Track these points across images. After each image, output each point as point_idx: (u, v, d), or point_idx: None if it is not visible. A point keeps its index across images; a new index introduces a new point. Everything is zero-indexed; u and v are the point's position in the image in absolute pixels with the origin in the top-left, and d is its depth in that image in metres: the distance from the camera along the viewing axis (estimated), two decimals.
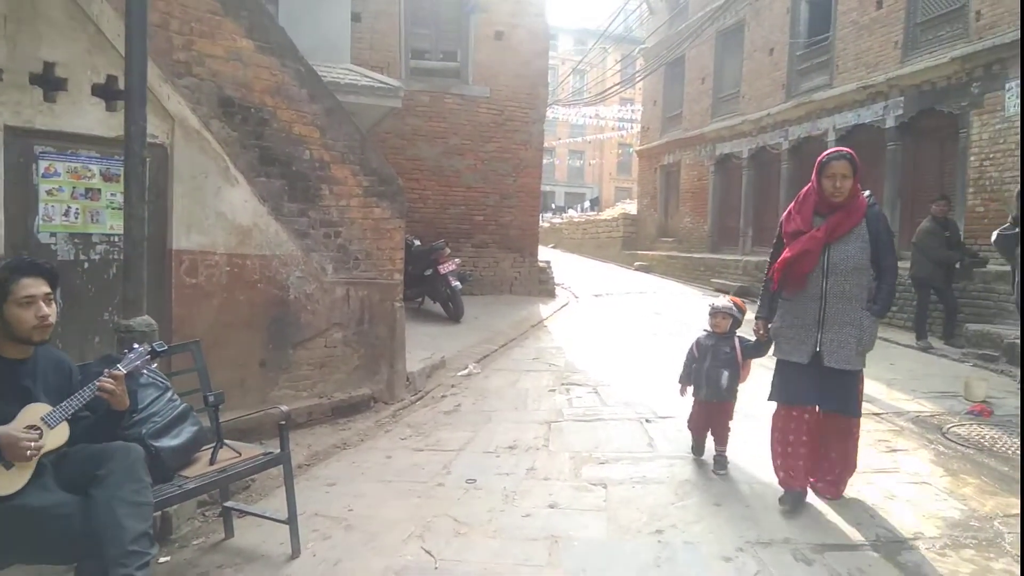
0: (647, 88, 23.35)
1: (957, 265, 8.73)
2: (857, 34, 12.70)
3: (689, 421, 4.79)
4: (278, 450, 3.46)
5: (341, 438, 5.25)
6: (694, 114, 19.37)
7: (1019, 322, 5.45)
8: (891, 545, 3.58)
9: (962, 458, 4.87)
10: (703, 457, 4.76)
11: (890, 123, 11.64)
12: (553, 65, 34.90)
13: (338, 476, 4.53)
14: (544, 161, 22.72)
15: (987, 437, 5.32)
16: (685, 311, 12.20)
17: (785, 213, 4.03)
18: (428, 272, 10.02)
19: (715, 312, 4.60)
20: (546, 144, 15.72)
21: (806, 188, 3.91)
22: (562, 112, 26.65)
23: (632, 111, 28.70)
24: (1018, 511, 3.99)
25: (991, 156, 9.62)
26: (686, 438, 4.94)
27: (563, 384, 6.97)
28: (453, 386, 6.85)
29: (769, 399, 4.13)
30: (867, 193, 3.88)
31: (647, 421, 5.72)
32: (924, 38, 11.22)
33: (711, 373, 4.55)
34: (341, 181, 5.71)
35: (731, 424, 4.64)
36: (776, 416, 4.11)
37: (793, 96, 14.82)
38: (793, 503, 3.95)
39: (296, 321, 5.46)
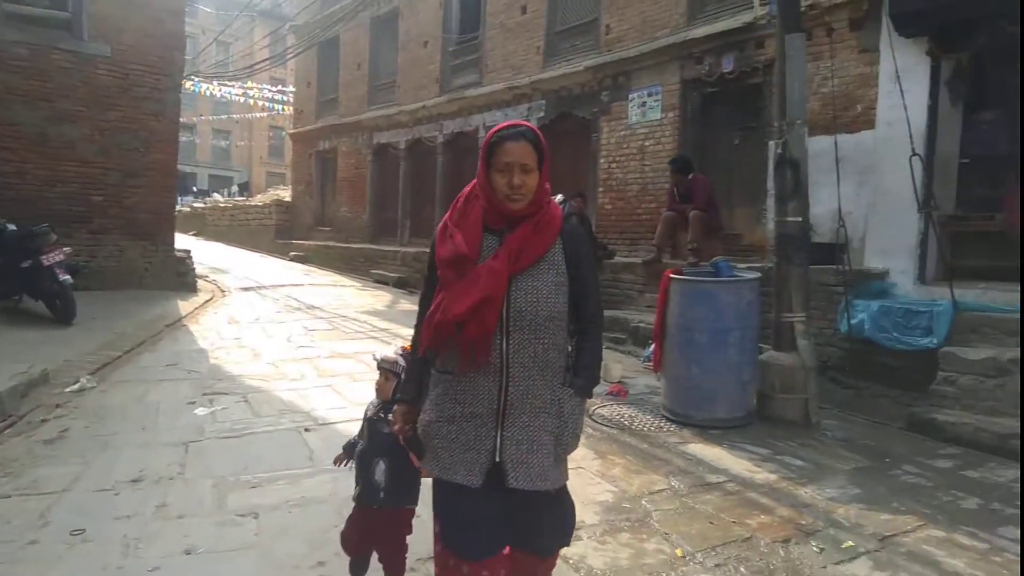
0: (300, 68, 22.27)
1: None
2: (504, 36, 13.39)
3: (343, 534, 2.95)
4: None
5: None
6: (351, 100, 18.92)
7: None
8: None
9: (608, 439, 5.15)
10: None
11: (533, 123, 12.47)
12: (193, 34, 31.68)
13: None
14: (183, 138, 20.38)
15: (626, 416, 5.75)
16: (344, 304, 11.73)
17: (440, 226, 2.35)
18: (27, 263, 8.09)
19: (379, 366, 2.84)
20: (186, 120, 13.95)
21: (469, 187, 2.37)
22: (204, 86, 24.25)
23: (284, 92, 27.28)
24: (661, 488, 4.27)
25: (617, 159, 10.79)
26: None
27: (206, 394, 6.01)
28: (59, 406, 5.49)
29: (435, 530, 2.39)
30: (559, 198, 2.39)
31: (306, 430, 5.12)
32: (562, 46, 12.19)
33: (363, 462, 2.83)
34: None
35: (409, 541, 2.90)
36: (438, 562, 2.36)
37: (447, 91, 15.18)
38: None
39: None
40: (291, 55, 21.66)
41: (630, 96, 10.53)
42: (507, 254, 2.20)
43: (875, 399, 6.37)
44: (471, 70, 14.64)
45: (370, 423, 2.86)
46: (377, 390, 2.87)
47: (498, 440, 2.23)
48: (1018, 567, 3.38)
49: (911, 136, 6.42)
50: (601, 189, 11.06)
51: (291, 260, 19.40)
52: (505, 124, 2.29)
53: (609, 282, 9.78)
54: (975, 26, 6.32)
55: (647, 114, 10.29)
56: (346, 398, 5.96)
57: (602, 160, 11.06)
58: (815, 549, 3.52)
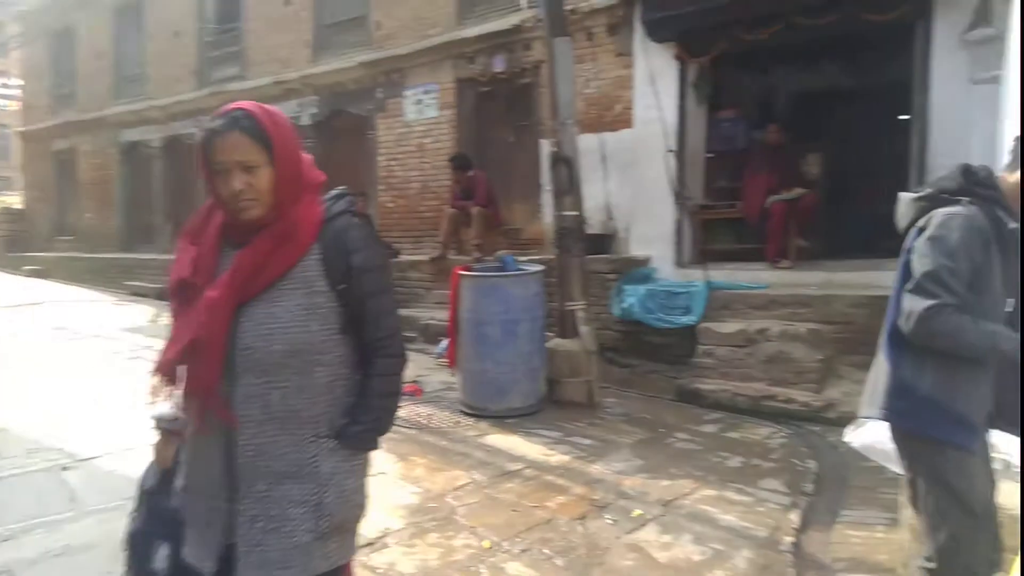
0: (29, 58, 19.51)
1: None
2: (268, 28, 12.71)
3: None
4: None
5: None
6: (93, 94, 16.91)
7: None
8: (362, 550, 3.45)
9: (408, 440, 5.09)
10: None
11: (306, 120, 11.98)
12: None
13: None
14: None
15: (424, 415, 5.73)
16: (95, 322, 10.48)
17: (179, 242, 1.88)
18: None
19: (156, 426, 2.06)
20: None
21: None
22: None
23: (8, 86, 23.78)
24: (464, 482, 4.30)
25: (397, 157, 10.70)
26: (122, 482, 3.98)
27: None
28: None
29: None
30: (335, 192, 1.88)
31: (65, 468, 4.49)
32: (333, 41, 11.83)
33: (137, 546, 2.11)
34: None
35: None
36: None
37: (207, 84, 14.11)
38: None
39: None
40: (16, 45, 18.91)
41: (406, 94, 10.49)
42: (232, 278, 1.69)
43: (647, 375, 6.94)
44: (232, 63, 13.72)
45: (149, 497, 2.12)
46: (156, 454, 2.11)
47: (230, 516, 1.74)
48: (780, 513, 3.85)
49: (665, 133, 7.05)
50: (382, 187, 10.92)
51: (27, 276, 16.97)
52: (220, 111, 1.75)
53: (396, 281, 9.70)
54: (715, 33, 7.08)
55: (424, 112, 10.31)
56: (111, 428, 5.32)
57: (381, 158, 10.92)
58: (609, 521, 3.74)
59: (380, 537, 3.56)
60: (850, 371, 5.88)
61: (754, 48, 7.31)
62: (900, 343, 2.16)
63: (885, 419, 2.20)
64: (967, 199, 2.05)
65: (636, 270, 7.47)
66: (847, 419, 2.89)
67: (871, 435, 2.65)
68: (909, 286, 2.05)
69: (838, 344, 6.00)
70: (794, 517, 3.80)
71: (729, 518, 3.78)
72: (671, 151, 7.12)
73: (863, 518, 3.79)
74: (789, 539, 3.56)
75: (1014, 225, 2.05)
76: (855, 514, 3.87)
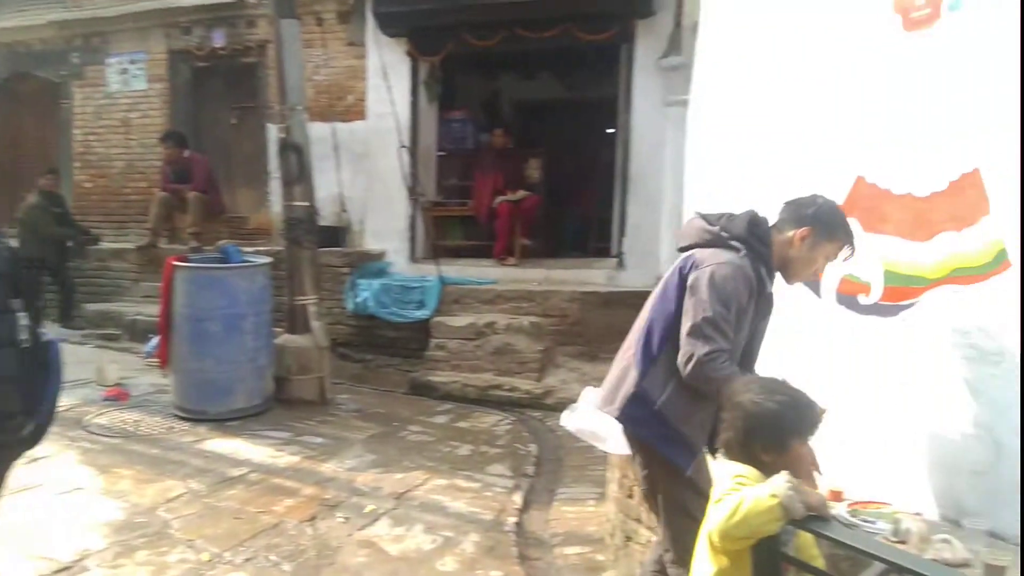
0: None
1: (70, 243, 8.31)
2: None
3: None
4: None
5: None
6: None
7: None
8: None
9: (110, 450, 4.55)
10: None
11: None
12: None
13: None
14: None
15: (130, 421, 5.15)
16: None
17: None
18: None
19: None
20: None
21: None
22: None
23: None
24: (179, 492, 3.94)
25: (96, 131, 9.43)
26: None
27: None
28: None
29: None
30: None
31: None
32: None
33: None
34: None
35: None
36: None
37: None
38: None
39: None
40: None
41: (109, 61, 9.28)
42: None
43: (381, 369, 6.94)
44: None
45: None
46: None
47: None
48: (504, 496, 4.07)
49: (398, 129, 7.08)
50: (78, 164, 9.56)
51: None
52: None
53: (96, 271, 8.60)
54: (445, 35, 7.25)
55: (130, 83, 9.22)
56: None
57: (78, 131, 9.55)
58: (341, 520, 3.68)
59: (78, 560, 3.16)
60: (566, 360, 6.41)
61: (482, 53, 7.62)
62: (651, 356, 2.26)
63: (619, 421, 2.30)
64: (744, 249, 2.21)
65: (370, 264, 7.41)
66: (564, 404, 3.13)
67: (582, 419, 2.90)
68: (687, 327, 2.14)
69: (556, 336, 6.50)
70: (517, 499, 4.04)
71: (458, 505, 3.91)
72: (404, 147, 7.17)
73: (577, 494, 4.15)
74: (513, 520, 3.77)
75: (771, 290, 2.28)
76: (570, 491, 4.22)
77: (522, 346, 6.18)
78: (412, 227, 7.67)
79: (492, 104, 9.46)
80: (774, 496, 1.54)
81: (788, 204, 2.30)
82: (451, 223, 8.11)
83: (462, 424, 5.41)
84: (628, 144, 6.98)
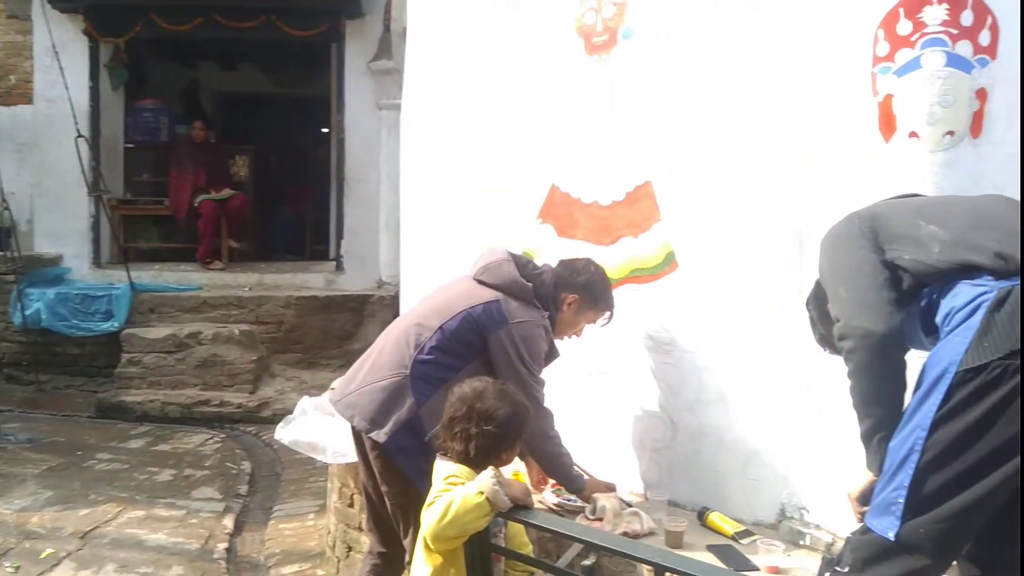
0: None
1: None
2: None
3: None
4: None
5: None
6: None
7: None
8: None
9: None
10: None
11: None
12: None
13: None
14: None
15: None
16: None
17: None
18: None
19: None
20: None
21: None
22: None
23: None
24: None
25: None
26: None
27: None
28: None
29: None
30: None
31: None
32: None
33: None
34: None
35: None
36: None
37: None
38: None
39: None
40: None
41: None
42: None
43: (61, 391, 6.06)
44: None
45: None
46: None
47: None
48: (214, 521, 3.76)
49: (75, 116, 6.20)
50: None
51: None
52: None
53: None
54: (131, 14, 6.50)
55: None
56: None
57: None
58: (9, 570, 3.13)
59: None
60: (282, 369, 6.13)
61: (178, 39, 6.99)
62: (433, 384, 2.16)
63: (378, 438, 2.14)
64: (547, 313, 2.26)
65: (43, 270, 6.42)
66: (281, 416, 2.98)
67: (299, 430, 2.79)
68: (512, 380, 2.09)
69: (271, 344, 6.18)
70: (228, 522, 3.77)
71: (158, 537, 3.53)
72: (81, 136, 6.28)
73: (295, 509, 3.98)
74: (223, 545, 3.51)
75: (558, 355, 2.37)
76: (288, 507, 4.03)
77: (233, 357, 5.79)
78: (95, 227, 6.78)
79: (191, 94, 8.70)
80: (481, 492, 1.59)
81: (563, 264, 2.40)
82: (144, 223, 7.32)
83: (163, 447, 4.91)
84: (343, 145, 6.88)
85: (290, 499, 4.14)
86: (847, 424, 1.66)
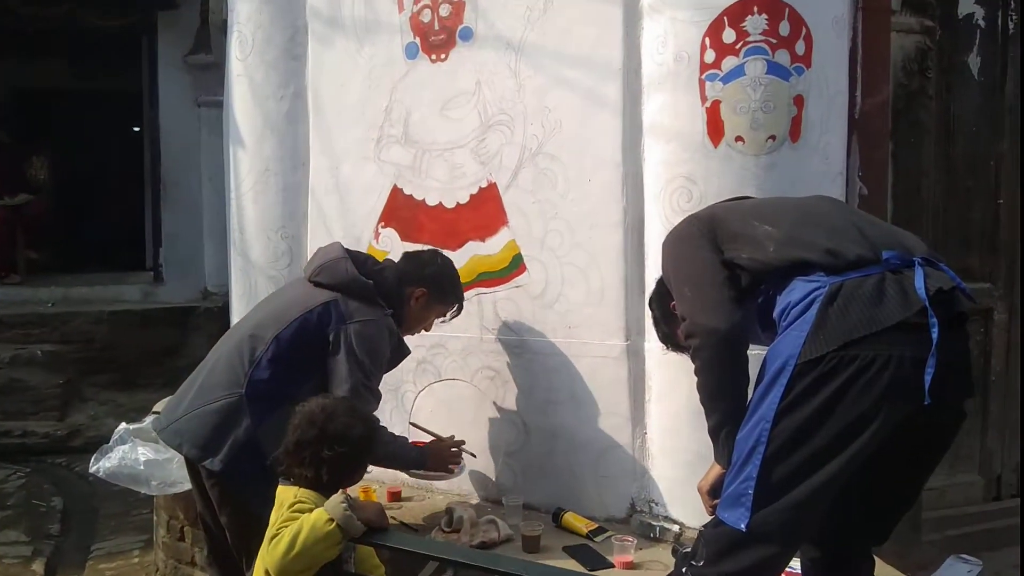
0: None
1: None
2: None
3: None
4: None
5: None
6: None
7: None
8: None
9: None
10: None
11: None
12: None
13: None
14: None
15: None
16: None
17: None
18: None
19: None
20: None
21: None
22: None
23: None
24: None
25: None
26: None
27: None
28: None
29: None
30: None
31: None
32: None
33: None
34: None
35: None
36: None
37: None
38: None
39: None
40: None
41: None
42: None
43: None
44: None
45: None
46: None
47: None
48: (21, 567, 3.32)
49: None
50: None
51: None
52: None
53: None
54: None
55: None
56: None
57: None
58: None
59: None
60: (95, 392, 5.53)
61: None
62: (267, 401, 1.97)
63: (212, 466, 1.94)
64: (390, 310, 2.12)
65: None
66: (96, 444, 2.65)
67: (117, 460, 2.50)
68: (345, 390, 1.96)
69: (80, 365, 5.54)
70: (38, 567, 3.34)
71: None
72: None
73: (117, 547, 3.61)
74: None
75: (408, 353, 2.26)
76: (108, 544, 3.65)
77: (35, 381, 5.18)
78: None
79: None
80: (331, 520, 1.49)
81: (408, 257, 2.30)
82: None
83: None
84: (157, 144, 6.36)
85: (110, 536, 3.75)
86: (691, 417, 1.71)
